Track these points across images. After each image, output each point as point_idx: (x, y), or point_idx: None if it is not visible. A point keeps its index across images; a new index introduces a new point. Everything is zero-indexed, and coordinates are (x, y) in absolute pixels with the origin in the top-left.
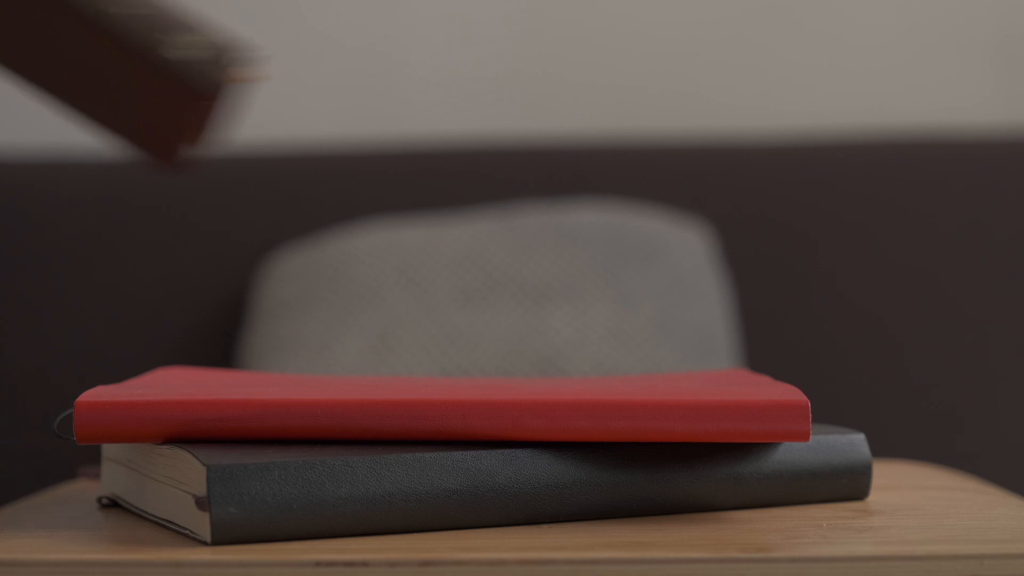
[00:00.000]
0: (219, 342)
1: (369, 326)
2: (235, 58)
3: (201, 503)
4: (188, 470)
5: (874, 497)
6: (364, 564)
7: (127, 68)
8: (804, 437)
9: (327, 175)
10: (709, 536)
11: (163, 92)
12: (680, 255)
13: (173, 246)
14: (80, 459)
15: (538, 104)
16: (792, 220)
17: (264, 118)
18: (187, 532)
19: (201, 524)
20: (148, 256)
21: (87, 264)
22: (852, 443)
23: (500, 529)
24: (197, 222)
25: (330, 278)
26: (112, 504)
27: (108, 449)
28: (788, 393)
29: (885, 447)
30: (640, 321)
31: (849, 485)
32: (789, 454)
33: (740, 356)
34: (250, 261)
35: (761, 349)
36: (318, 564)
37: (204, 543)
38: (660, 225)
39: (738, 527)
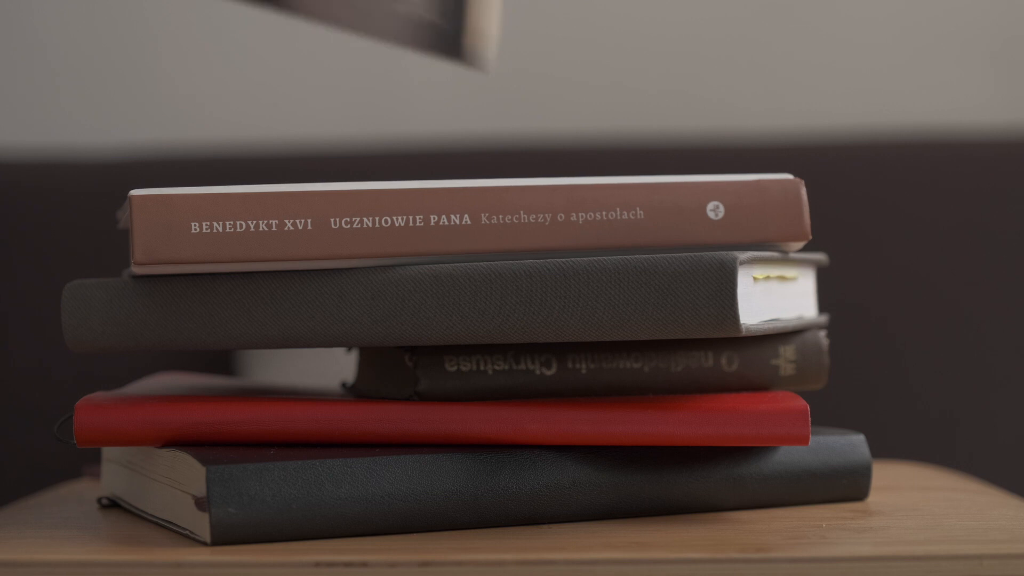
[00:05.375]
0: None
1: None
2: None
3: (201, 504)
4: (187, 471)
5: (874, 498)
6: (364, 564)
7: None
8: (804, 441)
9: (327, 175)
10: (709, 536)
11: None
12: None
13: None
14: (82, 459)
15: (538, 104)
16: None
17: (264, 118)
18: (187, 532)
19: (201, 524)
20: None
21: (87, 264)
22: (852, 444)
23: (500, 529)
24: None
25: None
26: (112, 504)
27: (108, 450)
28: (787, 398)
29: (885, 448)
30: None
31: (849, 486)
32: (789, 455)
33: None
34: None
35: None
36: (318, 564)
37: (204, 543)
38: None
39: (738, 527)
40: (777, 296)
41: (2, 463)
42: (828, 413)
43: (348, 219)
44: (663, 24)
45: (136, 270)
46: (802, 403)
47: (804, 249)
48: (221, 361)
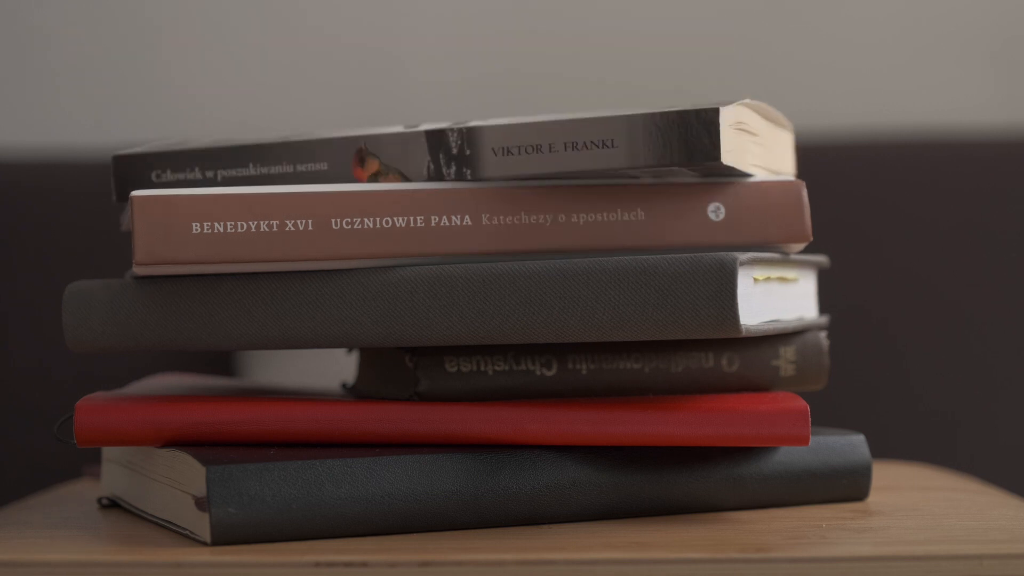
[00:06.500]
0: None
1: None
2: None
3: (201, 504)
4: (187, 471)
5: (874, 498)
6: (364, 564)
7: None
8: (804, 442)
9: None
10: (709, 536)
11: None
12: None
13: None
14: (82, 459)
15: (538, 104)
16: None
17: (264, 118)
18: (187, 532)
19: (201, 524)
20: None
21: (87, 264)
22: (852, 444)
23: (500, 529)
24: None
25: None
26: (112, 504)
27: (108, 450)
28: (788, 399)
29: (885, 448)
30: None
31: (849, 486)
32: (789, 455)
33: None
34: None
35: None
36: (318, 564)
37: (204, 543)
38: None
39: (738, 527)
40: (777, 297)
41: (2, 463)
42: (828, 413)
43: (349, 220)
44: (662, 23)
45: (137, 271)
46: (802, 403)
47: (805, 250)
48: (221, 361)
